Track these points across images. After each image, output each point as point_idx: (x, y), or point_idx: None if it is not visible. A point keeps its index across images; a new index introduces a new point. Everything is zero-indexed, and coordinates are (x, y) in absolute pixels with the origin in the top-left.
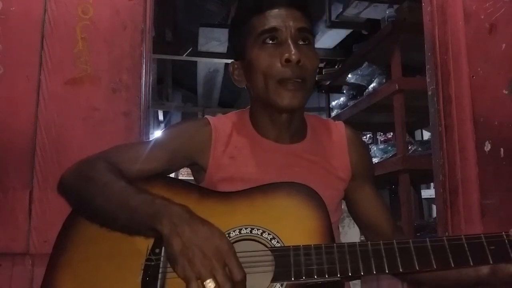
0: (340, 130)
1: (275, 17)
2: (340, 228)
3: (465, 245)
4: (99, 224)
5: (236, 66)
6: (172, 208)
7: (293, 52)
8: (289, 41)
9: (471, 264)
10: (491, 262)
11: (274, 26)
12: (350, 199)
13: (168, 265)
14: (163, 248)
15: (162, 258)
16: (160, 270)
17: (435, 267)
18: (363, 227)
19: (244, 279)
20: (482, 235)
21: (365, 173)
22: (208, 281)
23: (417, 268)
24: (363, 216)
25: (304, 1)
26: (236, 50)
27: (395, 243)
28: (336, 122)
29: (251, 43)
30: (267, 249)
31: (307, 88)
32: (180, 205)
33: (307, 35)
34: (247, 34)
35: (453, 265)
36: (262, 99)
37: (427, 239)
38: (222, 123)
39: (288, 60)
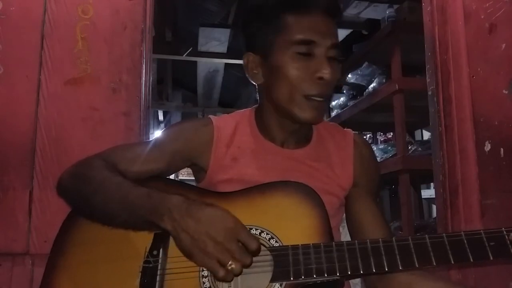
0: (348, 138)
1: (314, 27)
2: (341, 229)
3: (465, 241)
4: (100, 222)
5: (252, 58)
6: (169, 201)
7: (328, 72)
8: (324, 58)
9: (471, 260)
10: (491, 258)
11: (313, 40)
12: (347, 205)
13: (166, 267)
14: (161, 249)
15: (160, 260)
16: (159, 272)
17: (434, 264)
18: (353, 236)
19: (259, 246)
20: (482, 231)
21: (367, 185)
22: (229, 263)
23: (417, 266)
24: (356, 226)
25: (340, 10)
26: (254, 41)
27: (394, 240)
28: (346, 129)
29: (281, 46)
30: (266, 249)
31: (329, 103)
32: (177, 196)
33: (338, 52)
34: (277, 32)
35: (453, 262)
36: (281, 107)
37: (426, 236)
38: (225, 123)
39: (321, 78)
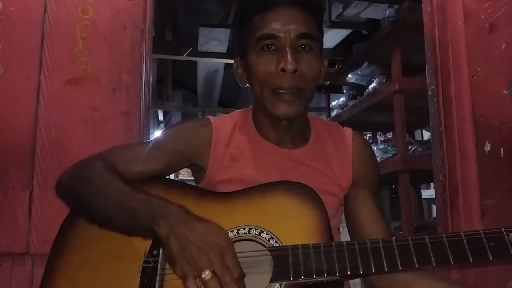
0: (347, 137)
1: (276, 21)
2: (341, 229)
3: (465, 241)
4: (98, 225)
5: (239, 64)
6: (168, 209)
7: (289, 62)
8: (287, 49)
9: (471, 260)
10: (490, 258)
11: (273, 33)
12: (346, 205)
13: (166, 267)
14: (161, 249)
15: (160, 260)
16: (158, 272)
17: (434, 264)
18: (353, 236)
19: (242, 276)
20: (481, 231)
21: (366, 184)
22: (204, 272)
23: (417, 266)
24: (355, 225)
25: (310, 0)
26: (239, 47)
27: (394, 240)
28: (345, 128)
29: (251, 45)
30: (265, 249)
31: (306, 97)
32: (177, 205)
33: (308, 41)
34: (248, 34)
35: (452, 262)
36: (260, 105)
37: (426, 236)
38: (224, 123)
39: (283, 70)
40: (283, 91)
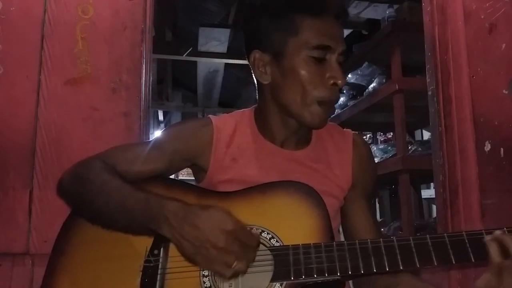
0: (347, 139)
1: (328, 32)
2: (341, 229)
3: (466, 241)
4: (100, 225)
5: (259, 56)
6: (166, 209)
7: (341, 78)
8: (337, 64)
9: (473, 260)
10: None
11: (329, 45)
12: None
13: (167, 266)
14: (161, 249)
15: (161, 259)
16: (159, 271)
17: (436, 263)
18: (346, 238)
19: (258, 241)
20: (483, 231)
21: (363, 187)
22: (234, 265)
23: (418, 265)
24: (348, 227)
25: (348, 15)
26: (262, 38)
27: (395, 240)
28: (345, 130)
29: (296, 48)
30: (266, 248)
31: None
32: (174, 202)
33: (344, 58)
34: (291, 33)
35: (454, 262)
36: (290, 109)
37: (428, 236)
38: (225, 123)
39: (335, 84)
40: (328, 104)
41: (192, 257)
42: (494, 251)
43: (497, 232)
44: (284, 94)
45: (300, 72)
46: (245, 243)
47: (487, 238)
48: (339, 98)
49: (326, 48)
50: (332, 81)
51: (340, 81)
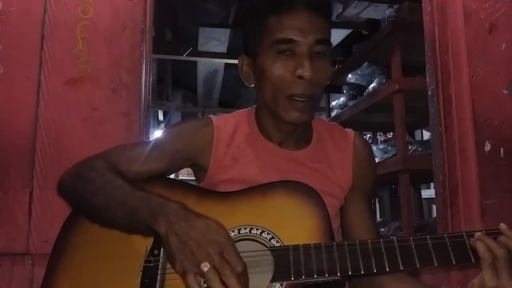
0: (348, 139)
1: (294, 25)
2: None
3: (467, 242)
4: (99, 223)
5: (245, 61)
6: (168, 206)
7: (307, 69)
8: (305, 56)
9: (473, 261)
10: None
11: (291, 38)
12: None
13: (167, 266)
14: (161, 249)
15: (161, 259)
16: (159, 271)
17: (436, 264)
18: (343, 237)
19: (244, 270)
20: (483, 231)
21: (363, 187)
22: (203, 264)
23: (418, 266)
24: (346, 227)
25: (326, 5)
26: (246, 44)
27: (395, 240)
28: (346, 129)
29: (265, 46)
30: (266, 249)
31: (316, 102)
32: (176, 203)
33: (324, 47)
34: (261, 33)
35: (454, 263)
36: (269, 108)
37: (428, 236)
38: (225, 123)
39: (301, 77)
40: (298, 98)
41: (173, 254)
42: (483, 250)
43: (478, 234)
44: (261, 94)
45: (268, 69)
46: (230, 262)
47: (471, 240)
48: (316, 92)
49: (290, 41)
50: (297, 74)
51: (306, 73)
